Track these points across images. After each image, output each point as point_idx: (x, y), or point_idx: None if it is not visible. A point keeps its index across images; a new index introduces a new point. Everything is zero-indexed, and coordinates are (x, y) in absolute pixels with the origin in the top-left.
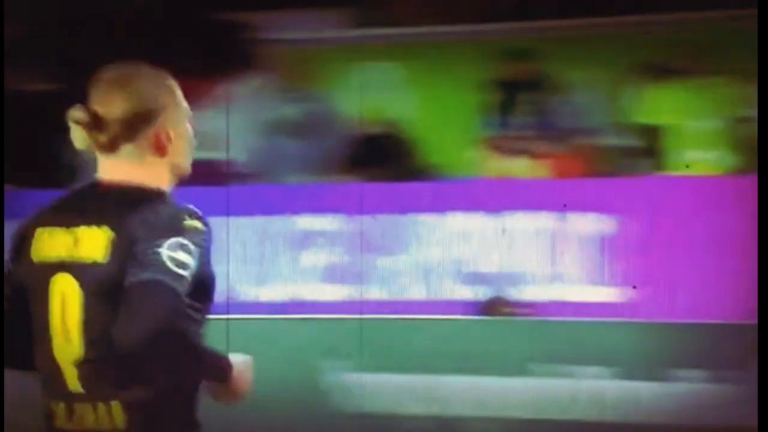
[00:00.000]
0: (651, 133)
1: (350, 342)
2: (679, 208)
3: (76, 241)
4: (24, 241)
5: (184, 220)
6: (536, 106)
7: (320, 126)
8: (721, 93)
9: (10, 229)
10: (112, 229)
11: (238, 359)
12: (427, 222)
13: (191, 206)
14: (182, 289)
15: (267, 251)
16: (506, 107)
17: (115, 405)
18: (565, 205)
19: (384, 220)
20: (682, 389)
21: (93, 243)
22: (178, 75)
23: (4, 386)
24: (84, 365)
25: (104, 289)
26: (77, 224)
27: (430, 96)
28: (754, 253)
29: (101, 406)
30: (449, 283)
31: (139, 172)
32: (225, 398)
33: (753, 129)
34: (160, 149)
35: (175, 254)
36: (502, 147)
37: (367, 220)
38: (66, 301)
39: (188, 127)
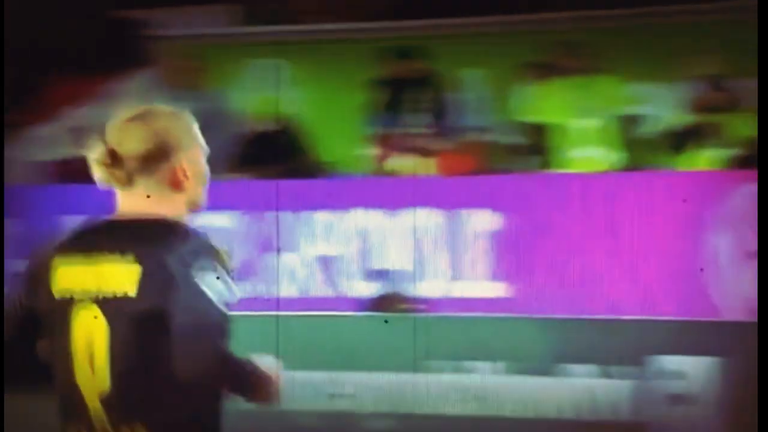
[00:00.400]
0: (537, 131)
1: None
2: (567, 204)
3: (101, 275)
4: (41, 272)
5: (218, 252)
6: (425, 103)
7: (211, 124)
8: (605, 91)
9: (9, 227)
10: (140, 262)
11: (266, 363)
12: (324, 219)
13: (213, 239)
14: (227, 321)
15: None
16: (394, 105)
17: (139, 427)
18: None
19: (280, 217)
20: (574, 384)
21: (121, 276)
22: (69, 72)
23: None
24: (111, 397)
25: (135, 321)
26: (100, 257)
27: (319, 94)
28: (646, 247)
29: (124, 428)
30: (345, 281)
31: (155, 206)
32: (259, 401)
33: (637, 126)
34: (176, 185)
35: (218, 288)
36: (392, 145)
37: (263, 217)
38: (92, 333)
39: (204, 163)
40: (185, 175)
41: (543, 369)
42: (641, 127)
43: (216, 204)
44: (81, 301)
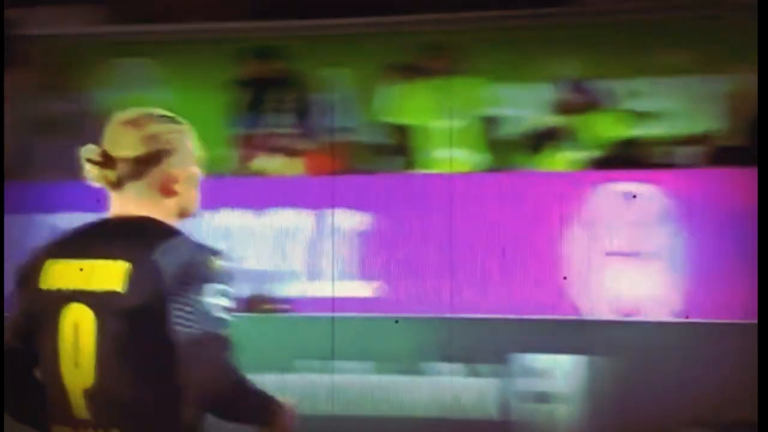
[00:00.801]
0: (401, 132)
1: None
2: (432, 204)
3: (90, 272)
4: (32, 271)
5: (212, 262)
6: (288, 104)
7: (79, 123)
8: (467, 92)
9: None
10: (128, 260)
11: (285, 402)
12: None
13: (208, 244)
14: (229, 333)
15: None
16: (257, 106)
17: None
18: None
19: None
20: (441, 383)
21: (109, 273)
22: None
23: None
24: (94, 392)
25: (123, 317)
26: (89, 256)
27: (184, 94)
28: (510, 246)
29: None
30: None
31: (145, 209)
32: None
33: (498, 127)
34: (166, 190)
35: (219, 301)
36: (257, 145)
37: None
38: (79, 329)
39: (196, 170)
40: (175, 180)
41: (410, 368)
42: (503, 128)
43: (83, 205)
44: (69, 297)
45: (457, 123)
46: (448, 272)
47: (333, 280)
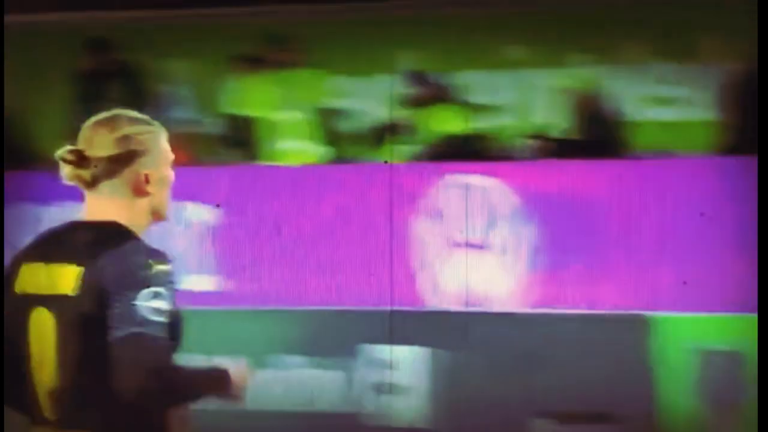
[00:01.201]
0: (245, 124)
1: None
2: (277, 196)
3: (52, 277)
4: (11, 274)
5: (152, 266)
6: (127, 96)
7: None
8: (310, 85)
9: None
10: (81, 264)
11: (232, 365)
12: (34, 212)
13: (156, 248)
14: (163, 333)
15: None
16: (95, 97)
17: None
18: None
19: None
20: (289, 375)
21: (65, 278)
22: None
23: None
24: (57, 393)
25: (74, 320)
26: (54, 260)
27: (26, 84)
28: (357, 237)
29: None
30: None
31: (118, 210)
32: (227, 400)
33: (341, 119)
34: (138, 190)
35: (151, 304)
36: None
37: None
38: (42, 333)
39: (169, 171)
40: (147, 181)
41: (258, 361)
42: (345, 120)
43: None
44: (35, 301)
45: (299, 115)
46: (295, 264)
47: (180, 273)
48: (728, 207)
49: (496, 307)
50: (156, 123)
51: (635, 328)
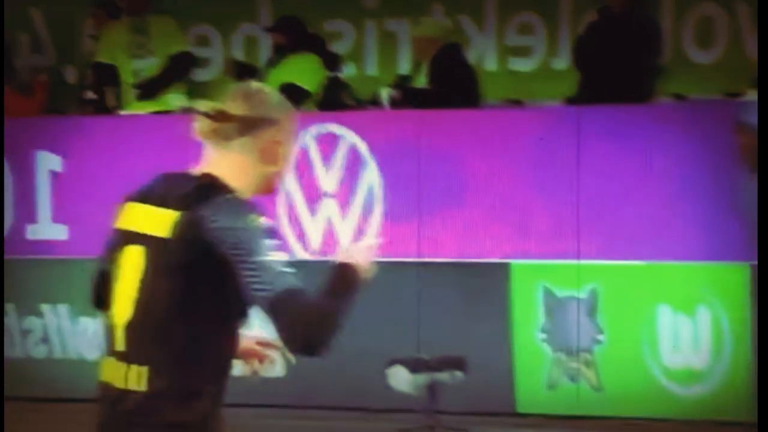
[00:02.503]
0: (102, 71)
1: None
2: (132, 146)
3: (149, 218)
4: (119, 211)
5: (259, 221)
6: None
7: None
8: (166, 32)
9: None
10: (177, 210)
11: (343, 257)
12: None
13: (251, 204)
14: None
15: None
16: None
17: (143, 369)
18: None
19: None
20: None
21: (161, 221)
22: None
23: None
24: (131, 327)
25: (163, 261)
26: (153, 203)
27: None
28: None
29: (133, 367)
30: None
31: (238, 169)
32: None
33: (196, 67)
34: (267, 154)
35: (277, 257)
36: None
37: None
38: (131, 267)
39: (293, 153)
40: (277, 147)
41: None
42: (201, 68)
43: None
44: (129, 238)
45: (155, 62)
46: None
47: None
48: (577, 155)
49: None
50: (291, 107)
51: (492, 276)
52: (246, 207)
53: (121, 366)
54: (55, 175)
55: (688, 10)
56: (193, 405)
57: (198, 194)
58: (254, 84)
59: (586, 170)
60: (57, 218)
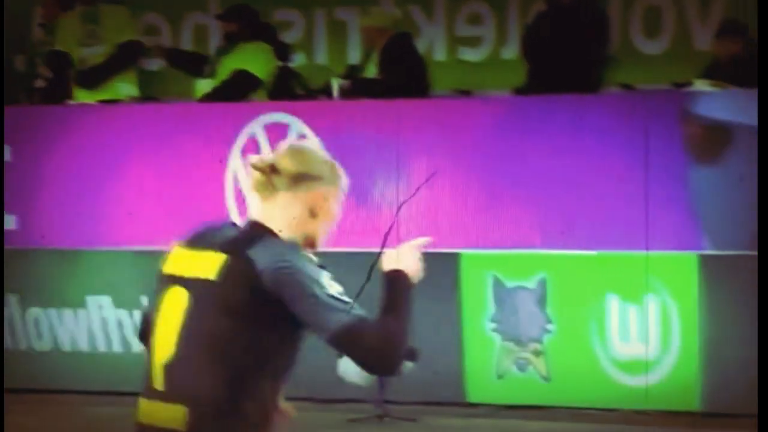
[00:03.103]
0: (54, 60)
1: None
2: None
3: (195, 261)
4: (165, 257)
5: (308, 255)
6: None
7: None
8: (117, 21)
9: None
10: (225, 252)
11: (391, 261)
12: None
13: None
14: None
15: None
16: None
17: (181, 408)
18: None
19: None
20: (90, 315)
21: (208, 264)
22: None
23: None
24: (170, 366)
25: (210, 303)
26: (199, 248)
27: None
28: (173, 177)
29: (171, 406)
30: None
31: (281, 222)
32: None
33: (148, 57)
34: (314, 208)
35: (333, 289)
36: None
37: None
38: (175, 307)
39: (338, 212)
40: (321, 204)
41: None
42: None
43: None
44: (175, 280)
45: (107, 51)
46: (95, 206)
47: None
48: (525, 146)
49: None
50: (339, 165)
51: (442, 265)
52: (295, 247)
53: (161, 405)
54: (3, 164)
55: (635, 0)
56: None
57: (245, 238)
58: (305, 142)
59: (535, 160)
60: (6, 208)
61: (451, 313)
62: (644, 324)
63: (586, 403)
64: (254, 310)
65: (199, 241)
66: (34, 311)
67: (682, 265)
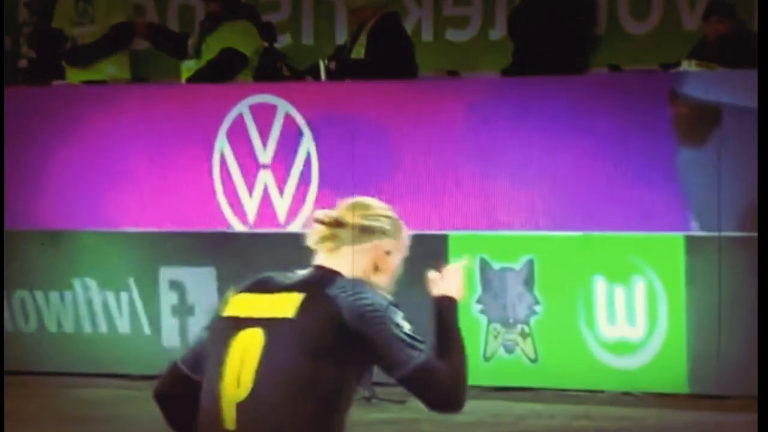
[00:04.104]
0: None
1: None
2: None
3: (269, 302)
4: (221, 305)
5: (385, 296)
6: None
7: None
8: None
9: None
10: (302, 292)
11: (437, 287)
12: None
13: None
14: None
15: None
16: None
17: None
18: None
19: None
20: (81, 299)
21: (285, 303)
22: None
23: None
24: (246, 404)
25: (289, 341)
26: (272, 291)
27: None
28: (165, 162)
29: None
30: None
31: (347, 275)
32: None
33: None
34: (377, 262)
35: (407, 328)
36: None
37: None
38: (248, 349)
39: (398, 264)
40: (383, 258)
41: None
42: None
43: None
44: (245, 323)
45: (95, 30)
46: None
47: None
48: (512, 127)
49: (290, 228)
50: (402, 223)
51: (430, 247)
52: (370, 285)
53: None
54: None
55: None
56: None
57: (321, 278)
58: (367, 198)
59: (522, 142)
60: None
61: None
62: (631, 305)
63: (574, 384)
64: (334, 346)
65: (264, 285)
66: (20, 293)
67: (669, 247)
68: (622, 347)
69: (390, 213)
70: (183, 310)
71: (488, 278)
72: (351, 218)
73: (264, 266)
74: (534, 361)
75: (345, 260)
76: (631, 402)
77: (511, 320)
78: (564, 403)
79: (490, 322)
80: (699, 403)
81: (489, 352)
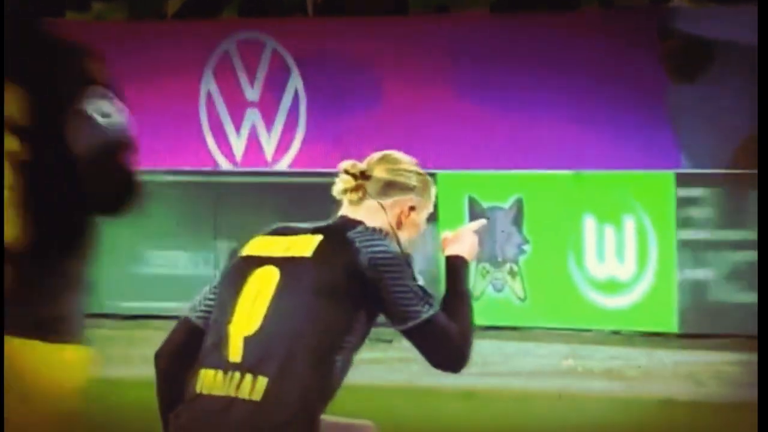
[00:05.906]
0: None
1: None
2: None
3: (287, 244)
4: (239, 247)
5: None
6: None
7: None
8: None
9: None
10: (321, 234)
11: (451, 246)
12: None
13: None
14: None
15: None
16: None
17: (261, 379)
18: None
19: None
20: None
21: (302, 244)
22: None
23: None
24: (254, 339)
25: (304, 280)
26: (291, 235)
27: None
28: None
29: (248, 376)
30: None
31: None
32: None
33: None
34: (400, 218)
35: (420, 282)
36: None
37: None
38: (263, 285)
39: (424, 223)
40: (407, 215)
41: None
42: None
43: None
44: (262, 260)
45: None
46: None
47: None
48: (502, 64)
49: (277, 167)
50: (431, 179)
51: None
52: (389, 236)
53: (233, 375)
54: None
55: None
56: (301, 421)
57: (341, 223)
58: (397, 152)
59: (511, 79)
60: None
61: (426, 233)
62: (621, 244)
63: (562, 323)
64: (347, 288)
65: (285, 230)
66: None
67: (659, 184)
68: (611, 286)
69: (419, 169)
70: None
71: (477, 217)
72: (378, 171)
73: (254, 208)
74: (523, 300)
75: (369, 212)
76: (620, 341)
77: (499, 259)
78: (553, 341)
79: (478, 261)
80: (688, 342)
81: (478, 291)
